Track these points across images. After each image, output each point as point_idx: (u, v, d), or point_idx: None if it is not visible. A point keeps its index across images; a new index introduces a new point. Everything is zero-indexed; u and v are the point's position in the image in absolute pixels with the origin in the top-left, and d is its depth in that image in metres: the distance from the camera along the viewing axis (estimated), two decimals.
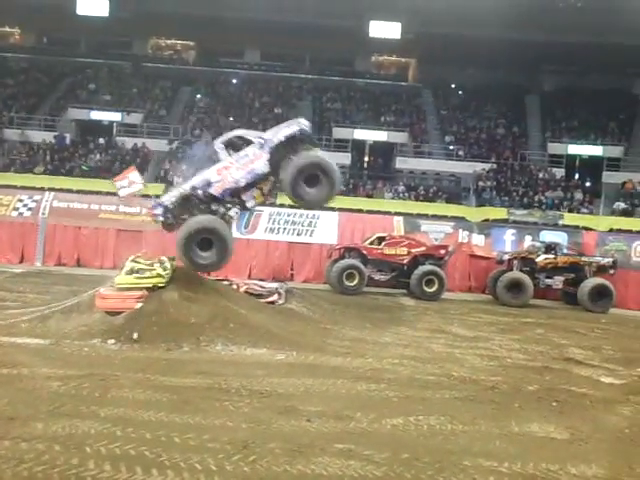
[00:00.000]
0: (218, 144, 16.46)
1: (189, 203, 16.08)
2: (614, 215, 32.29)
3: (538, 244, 27.66)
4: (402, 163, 37.97)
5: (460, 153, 38.29)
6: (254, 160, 15.91)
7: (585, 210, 33.42)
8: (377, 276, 25.94)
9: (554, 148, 38.87)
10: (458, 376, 13.80)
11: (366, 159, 41.91)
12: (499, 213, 31.95)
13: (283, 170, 16.04)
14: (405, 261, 25.90)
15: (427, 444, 9.71)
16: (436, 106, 43.39)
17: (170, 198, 16.26)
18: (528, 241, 28.71)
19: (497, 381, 13.57)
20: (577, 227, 30.48)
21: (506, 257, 26.86)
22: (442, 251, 26.40)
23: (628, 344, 19.32)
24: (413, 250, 26.11)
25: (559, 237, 28.85)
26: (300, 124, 16.64)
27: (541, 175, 36.90)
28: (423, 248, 26.36)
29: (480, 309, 23.99)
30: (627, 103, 40.70)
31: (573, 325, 21.60)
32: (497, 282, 25.71)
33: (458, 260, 27.93)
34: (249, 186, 16.25)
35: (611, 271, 26.18)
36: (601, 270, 26.21)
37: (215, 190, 15.86)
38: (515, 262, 26.32)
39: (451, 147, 39.23)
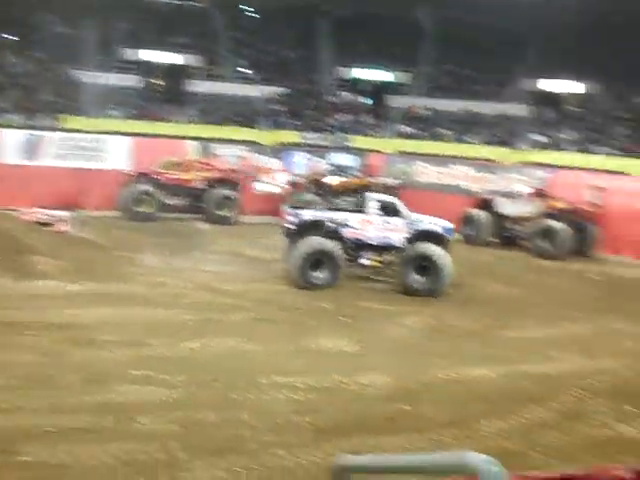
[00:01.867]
0: (373, 199, 17.20)
1: (316, 227, 16.18)
2: (400, 138, 33.73)
3: (329, 167, 28.42)
4: (194, 86, 37.26)
5: (253, 77, 38.19)
6: (394, 230, 16.44)
7: (373, 133, 34.64)
8: (172, 201, 25.51)
9: (344, 72, 39.76)
10: (255, 297, 14.13)
11: (157, 82, 40.76)
12: (292, 137, 32.33)
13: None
14: (199, 186, 25.67)
15: (224, 365, 9.93)
16: (228, 28, 42.77)
17: (309, 216, 16.52)
18: (320, 164, 29.38)
19: (293, 300, 14.05)
20: (366, 150, 31.50)
21: (299, 180, 27.36)
22: (236, 175, 26.44)
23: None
24: (207, 175, 25.92)
25: (349, 159, 29.78)
26: (448, 229, 16.85)
27: (331, 99, 37.74)
28: (217, 172, 26.24)
29: (275, 231, 24.28)
30: (413, 29, 42.20)
31: None
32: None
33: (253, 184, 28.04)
34: (376, 248, 16.57)
35: (397, 192, 27.42)
36: (388, 191, 27.38)
37: (347, 233, 16.29)
38: (307, 185, 26.90)
39: (244, 71, 39.00)
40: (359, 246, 16.49)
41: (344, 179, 27.13)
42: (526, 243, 23.88)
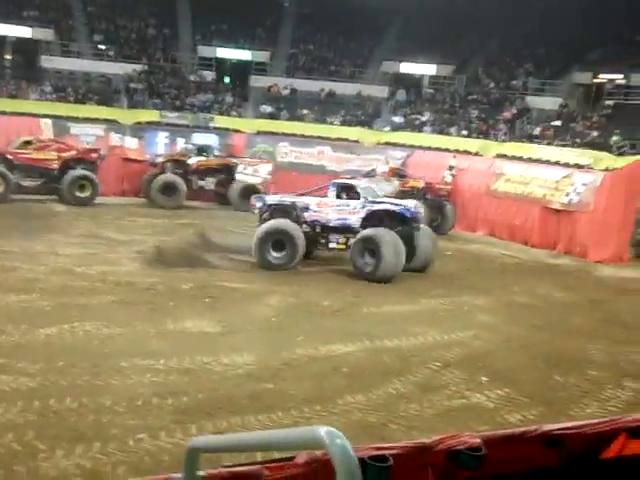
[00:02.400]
0: (333, 183, 17.56)
1: (284, 212, 16.85)
2: (261, 118, 33.70)
3: (190, 146, 28.08)
4: (48, 62, 35.72)
5: (110, 53, 37.02)
6: (352, 212, 16.49)
7: (234, 113, 34.36)
8: (25, 182, 24.42)
9: (204, 51, 39.19)
10: (114, 280, 13.79)
11: (7, 57, 38.83)
12: (152, 115, 31.64)
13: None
14: (55, 166, 24.71)
15: (83, 350, 9.65)
16: (83, 2, 41.25)
17: (273, 200, 17.38)
18: (181, 144, 28.99)
19: (153, 282, 13.81)
20: (227, 129, 31.29)
21: (159, 160, 26.89)
22: (94, 155, 25.62)
23: None
24: (63, 154, 24.96)
25: (210, 139, 29.53)
26: (413, 207, 16.69)
27: (192, 78, 37.14)
28: (74, 152, 25.30)
29: (135, 212, 23.93)
30: (273, 9, 42.19)
31: (224, 224, 22.46)
32: (151, 185, 25.73)
33: (111, 164, 27.31)
34: (337, 230, 16.76)
35: None
36: None
37: (308, 216, 16.79)
38: (168, 164, 26.51)
39: (101, 47, 37.77)
40: (326, 229, 16.77)
41: (204, 159, 26.94)
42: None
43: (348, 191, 17.11)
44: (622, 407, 9.53)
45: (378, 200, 16.90)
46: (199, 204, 26.97)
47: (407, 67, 37.15)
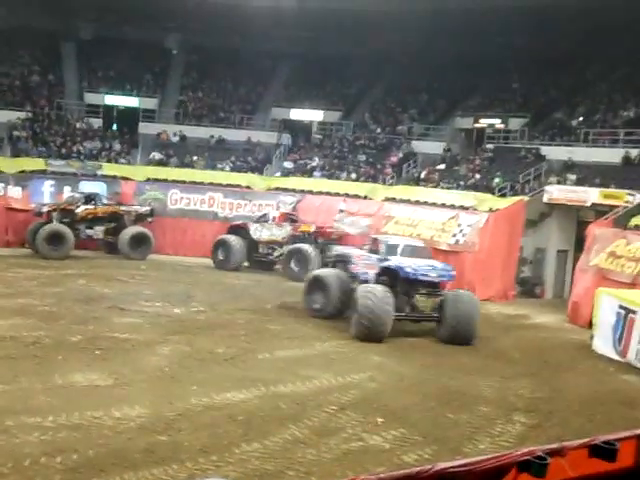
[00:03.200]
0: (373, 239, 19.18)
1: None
2: (150, 165, 33.31)
3: (78, 195, 27.39)
4: None
5: None
6: (371, 267, 17.43)
7: (123, 160, 33.84)
8: None
9: (91, 98, 38.54)
10: None
11: None
12: (36, 164, 30.81)
13: None
14: None
15: None
16: None
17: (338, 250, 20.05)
18: (67, 192, 28.22)
19: (39, 335, 13.31)
20: (115, 177, 30.72)
21: (45, 209, 26.11)
22: None
23: (165, 286, 20.35)
24: None
25: (98, 187, 28.87)
26: (419, 268, 16.75)
27: (79, 125, 36.41)
28: None
29: (19, 264, 23.06)
30: (161, 56, 42.07)
31: (115, 273, 21.99)
32: (36, 235, 24.96)
33: None
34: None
35: (149, 219, 27.09)
36: (140, 218, 26.98)
37: (352, 268, 17.98)
38: (54, 214, 25.79)
39: None
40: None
41: (92, 207, 26.39)
42: (278, 266, 24.73)
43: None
44: (513, 441, 9.81)
45: (396, 257, 17.51)
46: (87, 253, 26.25)
47: (296, 113, 37.65)
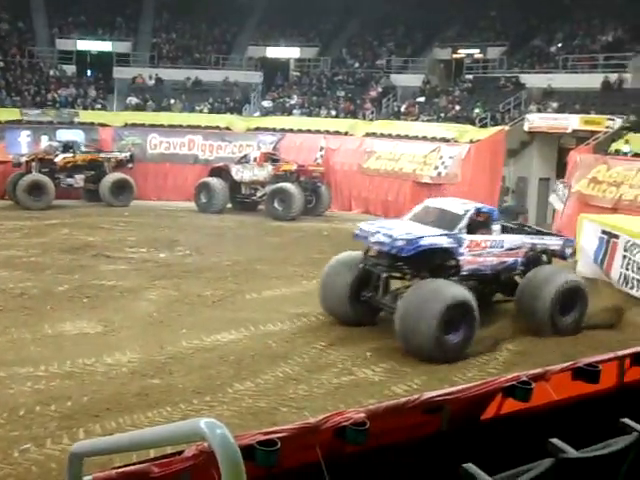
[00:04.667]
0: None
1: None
2: (127, 110, 32.90)
3: (55, 144, 27.06)
4: None
5: None
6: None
7: (99, 106, 33.40)
8: None
9: (63, 44, 37.79)
10: None
11: None
12: (11, 114, 30.32)
13: None
14: None
15: None
16: None
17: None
18: (45, 141, 27.91)
19: (26, 287, 13.32)
20: (93, 124, 30.39)
21: (23, 159, 25.84)
22: None
23: (149, 231, 20.29)
24: None
25: (76, 135, 28.55)
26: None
27: (52, 72, 35.78)
28: None
29: (1, 216, 22.94)
30: None
31: (98, 221, 21.91)
32: (16, 186, 24.73)
33: None
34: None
35: (129, 165, 26.87)
36: (120, 165, 26.75)
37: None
38: (33, 164, 25.52)
39: None
40: None
41: (70, 156, 26.11)
42: (262, 207, 24.69)
43: None
44: (500, 368, 9.99)
45: None
46: (69, 202, 26.05)
47: (272, 51, 37.11)
